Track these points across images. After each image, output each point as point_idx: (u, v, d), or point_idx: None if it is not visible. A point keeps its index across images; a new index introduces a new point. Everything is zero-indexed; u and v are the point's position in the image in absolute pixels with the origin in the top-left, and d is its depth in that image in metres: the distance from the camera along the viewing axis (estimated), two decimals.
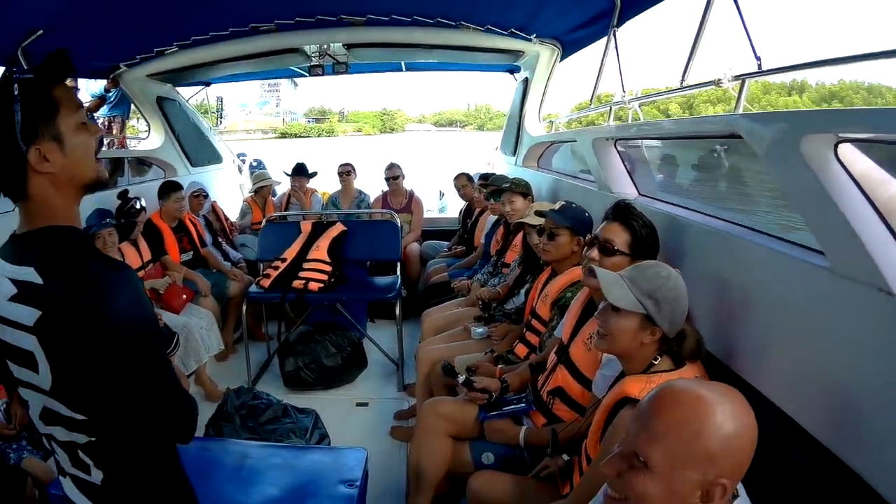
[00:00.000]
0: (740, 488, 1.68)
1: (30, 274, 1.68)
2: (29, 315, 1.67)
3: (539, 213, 4.63)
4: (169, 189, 7.13)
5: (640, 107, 5.26)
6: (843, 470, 2.17)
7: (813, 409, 2.40)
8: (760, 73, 3.29)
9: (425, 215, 9.65)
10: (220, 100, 11.20)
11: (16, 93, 1.68)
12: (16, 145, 1.69)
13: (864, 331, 2.15)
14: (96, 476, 1.90)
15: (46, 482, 3.58)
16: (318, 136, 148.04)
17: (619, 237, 3.38)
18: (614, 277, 2.62)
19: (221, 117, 11.51)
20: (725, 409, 1.56)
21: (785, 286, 2.63)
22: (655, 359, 2.59)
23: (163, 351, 1.86)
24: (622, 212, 3.45)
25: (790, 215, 3.12)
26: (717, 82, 3.57)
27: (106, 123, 9.21)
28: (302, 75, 9.29)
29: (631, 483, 1.59)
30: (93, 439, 1.85)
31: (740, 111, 3.25)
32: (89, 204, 5.65)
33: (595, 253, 3.41)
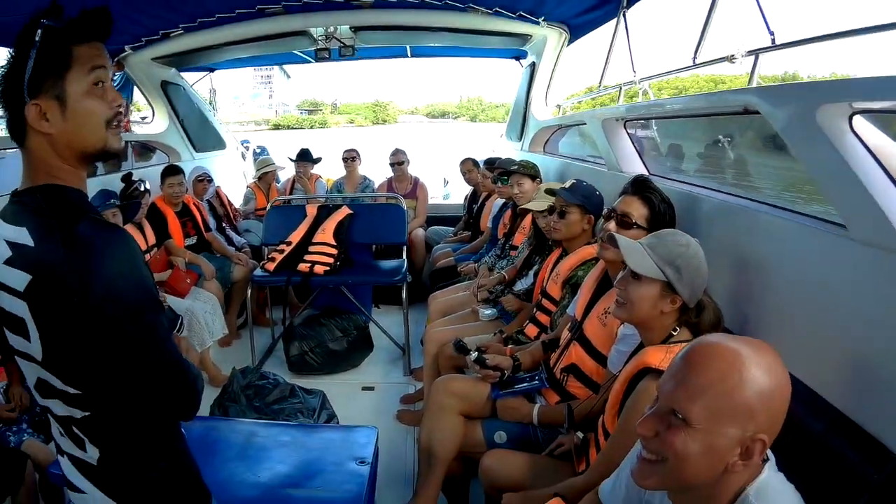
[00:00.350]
0: (769, 452, 1.65)
1: (23, 235, 1.63)
2: (20, 279, 1.62)
3: (549, 192, 4.61)
4: (165, 174, 7.12)
5: (649, 87, 5.24)
6: (866, 439, 2.15)
7: (834, 379, 2.40)
8: (774, 47, 3.27)
9: (430, 202, 9.62)
10: (212, 92, 11.18)
11: (37, 38, 1.63)
12: (21, 94, 1.65)
13: (886, 296, 2.15)
14: (92, 454, 1.84)
15: (46, 465, 3.54)
16: (311, 127, 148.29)
17: (637, 211, 3.36)
18: (634, 245, 2.59)
19: (214, 109, 11.49)
20: (761, 362, 1.54)
21: (803, 257, 2.64)
22: (675, 329, 2.57)
23: (160, 320, 1.78)
24: (641, 186, 3.44)
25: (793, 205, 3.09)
26: (731, 58, 3.56)
27: None
28: (307, 60, 9.32)
29: (669, 442, 1.55)
30: (87, 414, 1.80)
31: (754, 86, 3.23)
32: (93, 186, 5.63)
33: (612, 225, 3.38)
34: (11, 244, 1.64)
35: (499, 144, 10.81)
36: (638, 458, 1.70)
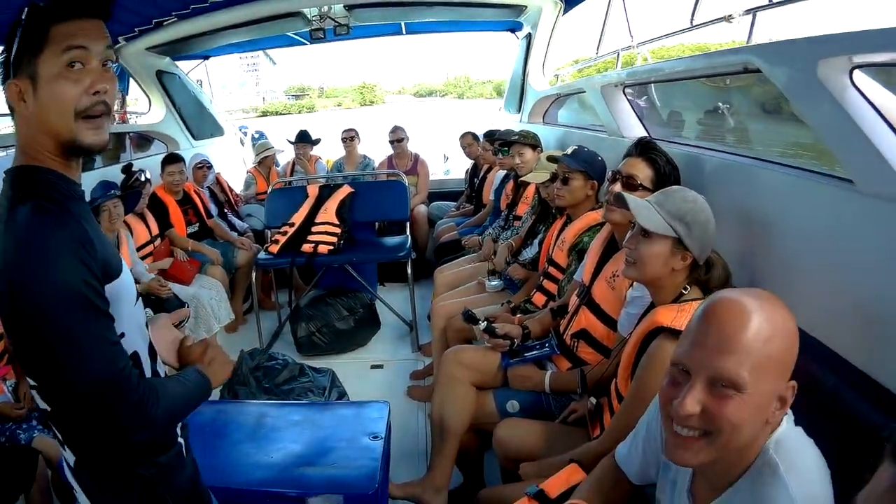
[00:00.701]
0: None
1: None
2: None
3: (551, 159, 4.60)
4: (165, 162, 7.13)
5: (648, 53, 5.22)
6: (880, 391, 2.14)
7: (846, 333, 2.39)
8: (771, 5, 3.25)
9: (431, 178, 9.65)
10: (199, 83, 11.17)
11: (23, 17, 1.59)
12: (7, 71, 1.64)
13: (894, 247, 2.14)
14: (70, 453, 1.79)
15: (57, 460, 3.54)
16: (299, 112, 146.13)
17: (643, 172, 3.33)
18: (643, 202, 2.57)
19: (212, 95, 11.49)
20: (776, 309, 1.55)
21: (811, 213, 2.62)
22: (685, 288, 2.56)
23: (90, 327, 1.58)
24: (646, 147, 3.41)
25: None
26: (728, 18, 3.54)
27: None
28: (302, 42, 9.30)
29: (721, 414, 1.51)
30: (50, 408, 1.75)
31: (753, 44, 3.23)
32: (93, 178, 5.64)
33: (618, 187, 3.33)
34: None
35: (497, 118, 10.78)
36: (672, 438, 1.63)
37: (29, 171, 1.66)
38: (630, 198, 2.61)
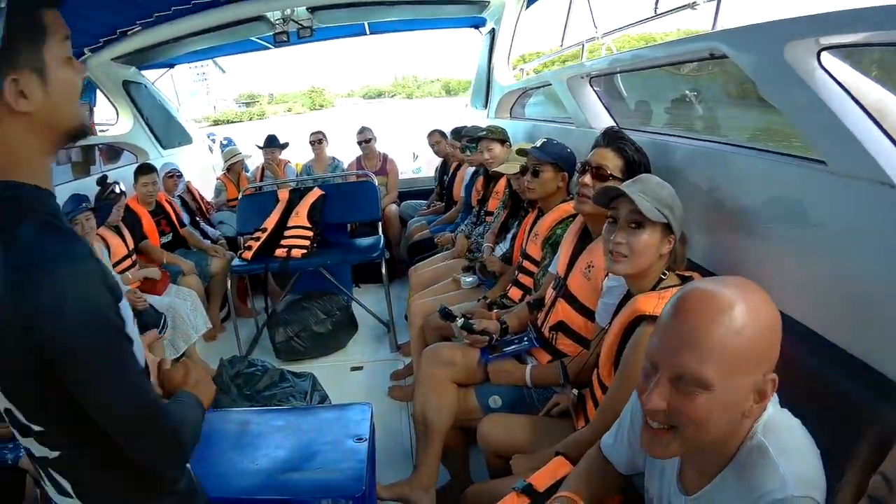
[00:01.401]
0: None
1: None
2: None
3: (521, 152, 4.57)
4: (138, 172, 7.09)
5: (612, 43, 5.22)
6: (864, 369, 2.15)
7: (826, 313, 2.39)
8: None
9: (400, 177, 9.67)
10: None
11: (3, 4, 1.39)
12: None
13: (869, 225, 2.16)
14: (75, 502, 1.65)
15: None
16: (250, 119, 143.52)
17: (612, 162, 3.31)
18: (635, 192, 2.53)
19: (179, 103, 11.42)
20: (754, 299, 1.53)
21: (786, 195, 2.62)
22: (664, 274, 2.57)
23: (120, 353, 1.50)
24: (613, 137, 3.39)
25: None
26: (693, 4, 3.55)
27: None
28: (266, 47, 9.25)
29: (685, 410, 1.51)
30: (59, 454, 1.59)
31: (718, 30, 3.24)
32: (66, 190, 5.59)
33: (588, 178, 3.33)
34: None
35: (462, 114, 10.74)
36: (645, 430, 1.64)
37: (12, 189, 1.50)
38: (629, 189, 2.55)
